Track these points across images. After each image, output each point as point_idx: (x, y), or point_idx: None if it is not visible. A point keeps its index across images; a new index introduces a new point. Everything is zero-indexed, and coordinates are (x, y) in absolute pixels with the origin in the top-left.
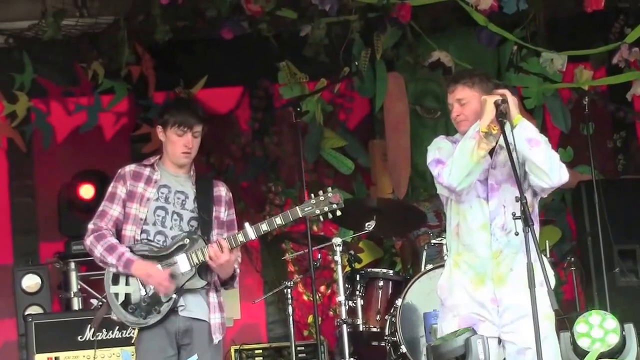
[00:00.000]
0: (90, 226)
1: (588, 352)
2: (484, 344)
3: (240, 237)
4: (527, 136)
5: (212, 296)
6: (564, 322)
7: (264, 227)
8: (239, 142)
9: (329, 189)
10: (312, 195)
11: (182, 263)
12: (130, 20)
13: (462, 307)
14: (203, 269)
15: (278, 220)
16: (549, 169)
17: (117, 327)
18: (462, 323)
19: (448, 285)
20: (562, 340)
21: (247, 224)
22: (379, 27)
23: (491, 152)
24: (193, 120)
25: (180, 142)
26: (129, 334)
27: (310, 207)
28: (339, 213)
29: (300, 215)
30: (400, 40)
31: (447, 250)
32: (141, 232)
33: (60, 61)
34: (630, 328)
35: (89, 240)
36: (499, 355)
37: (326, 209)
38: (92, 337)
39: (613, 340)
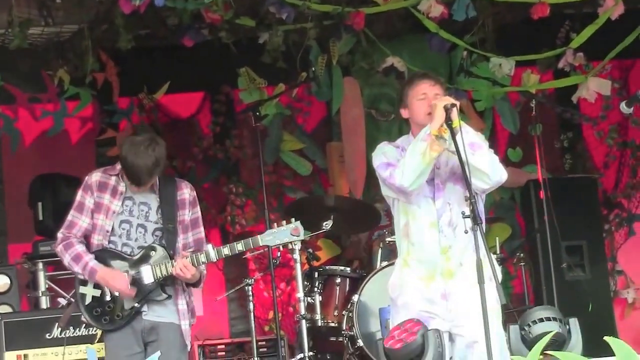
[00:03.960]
0: (60, 235)
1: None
2: (441, 337)
3: (202, 258)
4: (469, 140)
5: (181, 303)
6: (513, 315)
7: (226, 251)
8: (201, 145)
9: (292, 219)
10: (275, 224)
11: (146, 275)
12: (94, 28)
13: (413, 305)
14: (166, 282)
15: (239, 247)
16: (491, 171)
17: (84, 325)
18: None
19: (399, 284)
20: (512, 333)
21: (209, 246)
22: (335, 34)
23: None
24: (139, 179)
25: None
26: (95, 331)
27: (270, 237)
28: (299, 245)
29: (261, 244)
30: (355, 46)
31: (398, 249)
32: (109, 243)
33: (27, 69)
34: (575, 322)
35: (58, 248)
36: (449, 351)
37: (286, 239)
38: (60, 335)
39: None
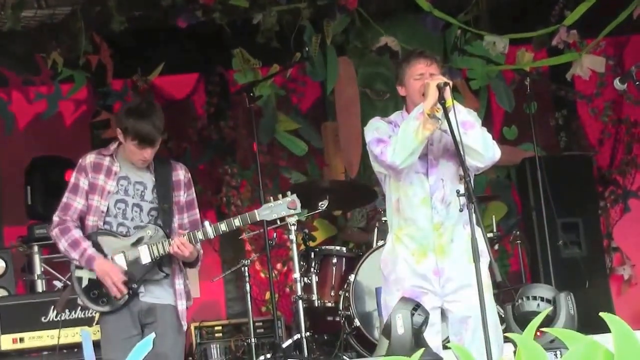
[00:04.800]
0: (55, 219)
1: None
2: (404, 318)
3: (200, 235)
4: (461, 119)
5: (178, 282)
6: (510, 293)
7: (223, 227)
8: (196, 127)
9: (288, 193)
10: (272, 198)
11: (144, 254)
12: (87, 11)
13: (405, 281)
14: (163, 261)
15: (236, 222)
16: (484, 149)
17: (80, 308)
18: (406, 296)
19: (391, 259)
20: (507, 312)
21: (207, 223)
22: (328, 13)
23: None
24: (153, 137)
25: (136, 152)
26: (91, 314)
27: (267, 211)
28: (295, 218)
29: (258, 219)
30: (349, 26)
31: (389, 225)
32: (104, 223)
33: (20, 51)
34: (561, 298)
35: (54, 232)
36: (442, 326)
37: (283, 213)
38: (56, 318)
39: None
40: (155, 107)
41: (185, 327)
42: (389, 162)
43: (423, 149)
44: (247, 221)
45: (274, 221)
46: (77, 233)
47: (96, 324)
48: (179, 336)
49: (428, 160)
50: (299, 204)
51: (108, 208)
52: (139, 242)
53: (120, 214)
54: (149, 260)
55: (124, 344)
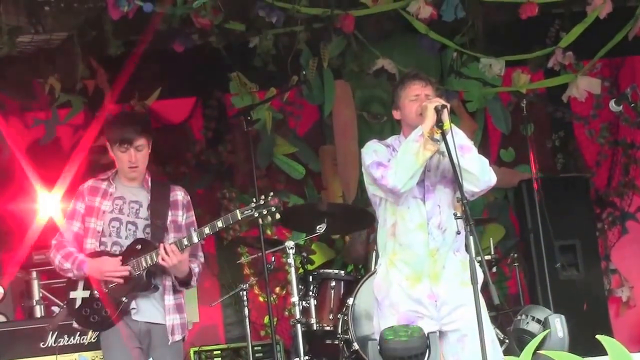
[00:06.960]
0: (53, 242)
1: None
2: (372, 347)
3: (185, 241)
4: (458, 143)
5: (168, 299)
6: (509, 315)
7: (207, 230)
8: (194, 151)
9: (271, 193)
10: (253, 199)
11: (132, 267)
12: (83, 35)
13: (400, 306)
14: (154, 274)
15: (219, 224)
16: (480, 173)
17: (78, 333)
18: (401, 320)
19: (385, 285)
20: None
21: (191, 229)
22: (325, 37)
23: None
24: (132, 135)
25: (124, 159)
26: (89, 339)
27: (249, 211)
28: (277, 216)
29: (239, 218)
30: (345, 49)
31: (381, 250)
32: (100, 245)
33: (17, 77)
34: (549, 319)
35: (51, 252)
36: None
37: (265, 211)
38: (54, 344)
39: None
40: (134, 112)
41: (173, 340)
42: (391, 185)
43: (420, 175)
44: (229, 221)
45: (272, 245)
46: (70, 248)
47: (89, 343)
48: (176, 355)
49: (425, 186)
50: (280, 202)
51: (103, 228)
52: (129, 256)
53: (115, 233)
54: (138, 272)
55: (127, 352)
